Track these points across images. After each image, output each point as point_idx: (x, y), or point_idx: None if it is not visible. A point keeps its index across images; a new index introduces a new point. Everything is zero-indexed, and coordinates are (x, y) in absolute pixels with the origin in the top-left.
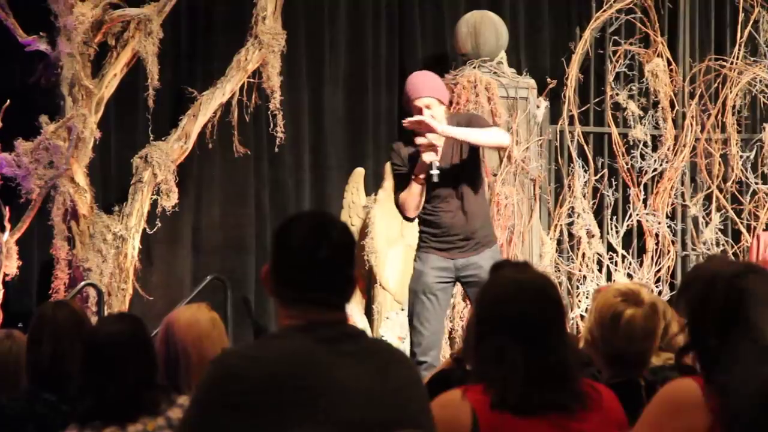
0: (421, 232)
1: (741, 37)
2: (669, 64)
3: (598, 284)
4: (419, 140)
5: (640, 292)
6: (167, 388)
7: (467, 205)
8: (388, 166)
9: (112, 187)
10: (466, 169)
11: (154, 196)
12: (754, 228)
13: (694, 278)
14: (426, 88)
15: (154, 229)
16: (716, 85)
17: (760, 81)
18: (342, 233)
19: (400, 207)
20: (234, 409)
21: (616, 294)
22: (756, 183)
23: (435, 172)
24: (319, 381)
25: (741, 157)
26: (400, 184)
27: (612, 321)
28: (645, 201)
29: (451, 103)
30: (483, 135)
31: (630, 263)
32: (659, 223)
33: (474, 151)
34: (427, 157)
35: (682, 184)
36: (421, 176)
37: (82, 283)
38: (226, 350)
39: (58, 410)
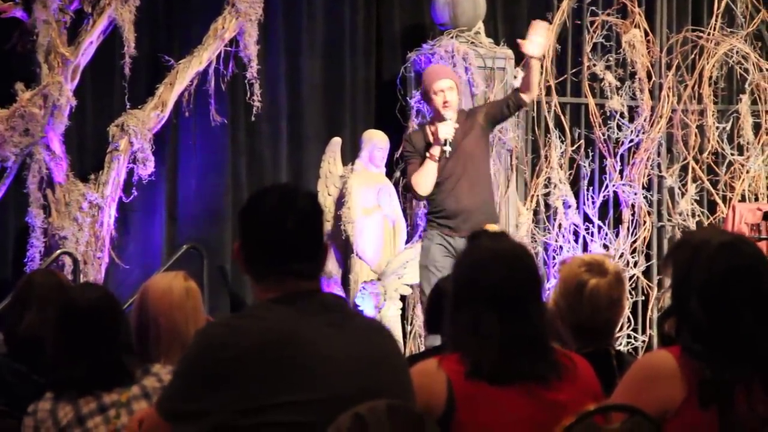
0: (428, 213)
1: (718, 8)
2: (646, 34)
3: (575, 255)
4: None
5: (604, 262)
6: (142, 357)
7: (469, 186)
8: (365, 135)
9: (88, 155)
10: (473, 152)
11: (131, 165)
12: (730, 199)
13: (683, 243)
14: (450, 72)
15: (131, 198)
16: (693, 56)
17: (737, 52)
18: (308, 203)
19: (413, 187)
20: (218, 378)
21: (581, 264)
22: (732, 154)
23: (447, 148)
24: (302, 351)
25: (717, 128)
26: (411, 170)
27: (577, 291)
28: (621, 172)
29: None
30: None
31: (606, 234)
32: (635, 194)
33: (484, 135)
34: (445, 131)
35: (659, 155)
36: (435, 153)
37: (58, 251)
38: (212, 321)
39: (29, 380)
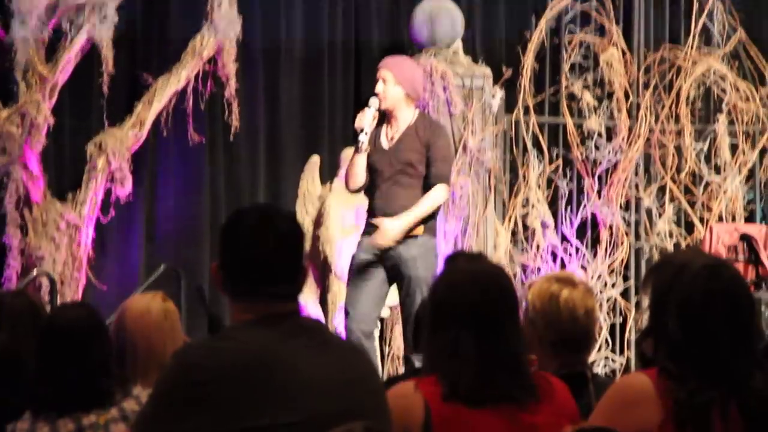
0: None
1: (695, 28)
2: (624, 54)
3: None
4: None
5: (572, 276)
6: (123, 379)
7: (401, 192)
8: (344, 154)
9: (65, 174)
10: (411, 161)
11: (108, 184)
12: (707, 220)
13: (664, 263)
14: (389, 63)
15: (108, 218)
16: (670, 75)
17: (714, 72)
18: (288, 224)
19: (345, 181)
20: (196, 401)
21: (549, 279)
22: (709, 174)
23: (363, 137)
24: (280, 373)
25: (695, 148)
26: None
27: (552, 303)
28: (599, 192)
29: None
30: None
31: (584, 254)
32: (613, 215)
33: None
34: (359, 117)
35: (636, 175)
36: (358, 144)
37: (35, 271)
38: (189, 343)
39: (6, 402)
